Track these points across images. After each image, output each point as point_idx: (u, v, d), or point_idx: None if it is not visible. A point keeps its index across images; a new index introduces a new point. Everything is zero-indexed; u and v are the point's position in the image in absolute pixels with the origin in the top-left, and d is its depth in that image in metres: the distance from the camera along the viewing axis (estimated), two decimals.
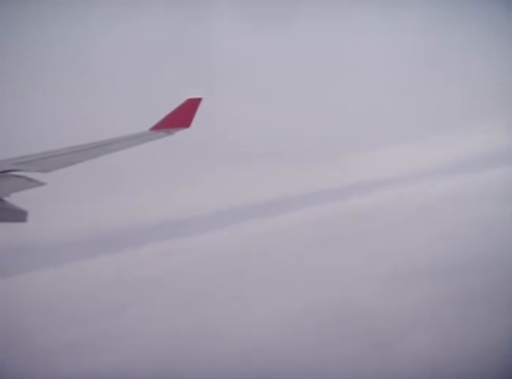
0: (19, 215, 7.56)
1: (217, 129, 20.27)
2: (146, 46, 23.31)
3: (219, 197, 20.78)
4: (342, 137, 24.63)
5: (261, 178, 21.94)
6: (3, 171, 8.29)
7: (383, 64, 27.71)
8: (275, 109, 24.53)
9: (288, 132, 23.96)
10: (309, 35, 26.41)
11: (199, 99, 11.31)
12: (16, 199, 7.74)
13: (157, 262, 18.29)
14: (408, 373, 13.77)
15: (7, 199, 7.78)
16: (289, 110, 24.78)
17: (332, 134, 24.57)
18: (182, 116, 11.13)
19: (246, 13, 24.66)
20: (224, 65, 23.54)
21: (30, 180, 8.21)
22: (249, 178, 21.79)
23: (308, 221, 21.53)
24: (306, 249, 19.74)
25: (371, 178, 23.91)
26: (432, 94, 27.09)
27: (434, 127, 26.29)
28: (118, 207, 18.66)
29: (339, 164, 23.76)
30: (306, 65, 25.92)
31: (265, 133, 23.14)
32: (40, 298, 15.99)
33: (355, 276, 17.99)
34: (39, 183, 8.19)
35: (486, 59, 27.56)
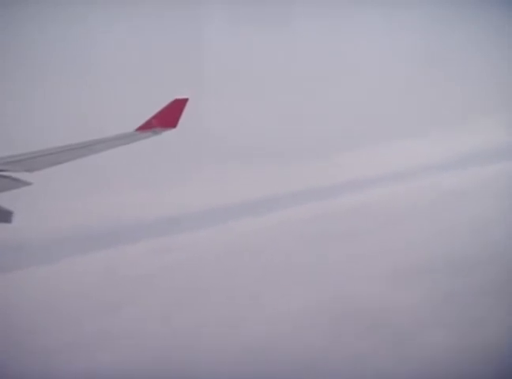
0: (4, 216, 7.58)
1: (210, 128, 20.36)
2: (144, 47, 23.32)
3: (211, 195, 20.88)
4: (341, 136, 24.71)
5: (257, 176, 22.07)
6: None
7: (383, 63, 27.73)
8: (270, 108, 24.58)
9: (284, 131, 24.05)
10: (307, 35, 26.42)
11: (186, 100, 11.32)
12: (2, 199, 7.78)
13: (150, 260, 18.35)
14: (411, 371, 13.73)
15: None
16: (285, 110, 24.84)
17: (330, 133, 24.65)
18: (169, 116, 11.14)
19: (244, 13, 24.66)
20: (220, 65, 23.58)
21: (16, 180, 8.23)
22: (244, 176, 21.92)
23: (306, 218, 21.63)
24: (304, 246, 19.80)
25: (371, 175, 24.06)
26: (432, 93, 27.11)
27: (434, 125, 26.36)
28: (108, 205, 18.75)
29: (337, 162, 23.87)
30: (305, 65, 25.95)
31: (258, 132, 23.22)
32: (34, 295, 16.08)
33: (354, 273, 18.02)
34: (26, 183, 8.21)
35: (486, 59, 27.54)
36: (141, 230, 19.18)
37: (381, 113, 25.96)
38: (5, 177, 8.29)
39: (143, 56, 23.42)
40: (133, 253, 18.56)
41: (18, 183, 8.19)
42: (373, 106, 26.12)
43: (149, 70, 23.00)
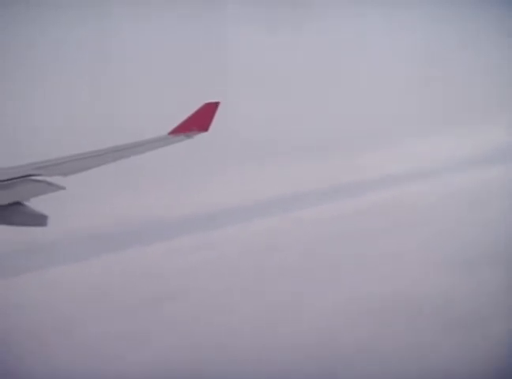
0: (39, 220, 7.63)
1: (235, 128, 20.50)
2: (159, 49, 23.19)
3: (235, 194, 21.19)
4: (350, 136, 25.01)
5: (282, 175, 22.55)
6: (23, 176, 8.33)
7: (394, 64, 28.06)
8: (289, 108, 24.80)
9: (304, 130, 24.36)
10: (322, 35, 26.64)
11: (217, 103, 11.39)
12: (39, 201, 7.82)
13: (177, 259, 18.49)
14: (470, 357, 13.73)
15: (27, 203, 7.83)
16: (303, 109, 25.08)
17: (343, 132, 24.98)
18: (201, 120, 11.23)
19: (256, 15, 24.75)
20: (235, 66, 23.68)
21: (50, 184, 8.25)
22: (268, 176, 22.39)
23: (334, 215, 22.03)
24: (334, 243, 20.02)
25: (390, 173, 24.62)
26: (436, 93, 27.42)
27: (450, 124, 26.80)
28: (133, 206, 18.94)
29: (351, 161, 24.27)
30: (317, 65, 26.17)
31: (283, 132, 23.57)
32: (71, 291, 16.23)
33: (398, 268, 18.25)
34: (59, 187, 8.23)
35: (487, 58, 27.85)
36: (167, 230, 19.34)
37: (393, 113, 26.32)
38: (39, 181, 8.31)
39: (156, 59, 23.28)
40: (157, 252, 18.67)
41: (52, 187, 8.21)
42: (384, 105, 26.45)
43: (162, 73, 22.91)
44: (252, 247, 19.71)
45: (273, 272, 18.03)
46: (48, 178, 8.35)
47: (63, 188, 8.24)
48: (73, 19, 21.18)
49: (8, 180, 8.15)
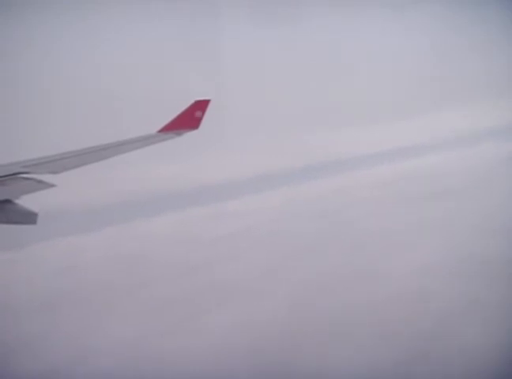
0: (29, 217, 7.60)
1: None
2: (153, 46, 23.22)
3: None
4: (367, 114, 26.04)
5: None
6: (13, 174, 8.32)
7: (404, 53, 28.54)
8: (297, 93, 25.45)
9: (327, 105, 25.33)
10: (319, 29, 26.99)
11: (207, 101, 11.30)
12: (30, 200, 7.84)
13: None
14: None
15: (17, 201, 7.82)
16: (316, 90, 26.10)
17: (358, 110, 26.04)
18: (191, 118, 11.14)
19: (252, 12, 24.91)
20: (228, 63, 23.80)
21: (40, 182, 8.23)
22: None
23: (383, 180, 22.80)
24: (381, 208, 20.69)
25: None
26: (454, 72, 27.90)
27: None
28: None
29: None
30: (327, 58, 26.68)
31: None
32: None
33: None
34: (49, 185, 8.21)
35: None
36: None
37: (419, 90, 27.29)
38: (29, 179, 8.30)
39: (149, 56, 23.29)
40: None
41: (42, 185, 8.20)
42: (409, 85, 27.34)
43: (156, 71, 22.94)
44: (305, 212, 20.54)
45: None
46: (38, 176, 8.34)
47: (53, 185, 8.22)
48: (66, 16, 21.20)
49: None
